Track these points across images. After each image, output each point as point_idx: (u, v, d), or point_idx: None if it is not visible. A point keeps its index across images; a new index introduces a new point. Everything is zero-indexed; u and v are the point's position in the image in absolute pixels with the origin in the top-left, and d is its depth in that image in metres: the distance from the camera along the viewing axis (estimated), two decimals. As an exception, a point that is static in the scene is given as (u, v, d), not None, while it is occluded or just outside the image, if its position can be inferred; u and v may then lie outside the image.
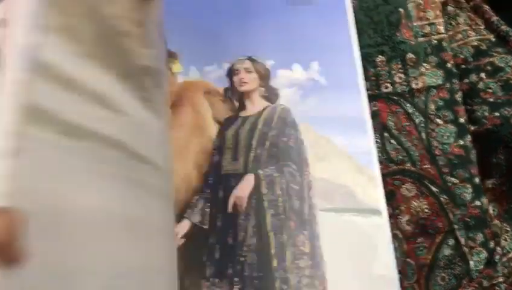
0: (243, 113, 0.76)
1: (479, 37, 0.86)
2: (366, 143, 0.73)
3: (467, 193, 0.73)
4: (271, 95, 0.76)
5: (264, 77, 0.76)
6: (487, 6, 0.88)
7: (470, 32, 0.87)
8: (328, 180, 0.73)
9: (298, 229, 0.68)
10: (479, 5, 0.90)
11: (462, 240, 0.71)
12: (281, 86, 0.76)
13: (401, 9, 0.84)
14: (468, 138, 0.76)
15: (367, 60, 0.81)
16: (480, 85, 0.82)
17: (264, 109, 0.75)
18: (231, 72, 0.76)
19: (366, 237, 0.69)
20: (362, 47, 0.81)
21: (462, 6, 0.91)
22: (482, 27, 0.88)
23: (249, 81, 0.76)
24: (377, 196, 0.71)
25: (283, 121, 0.73)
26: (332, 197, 0.72)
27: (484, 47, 0.85)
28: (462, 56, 0.84)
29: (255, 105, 0.76)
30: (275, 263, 0.67)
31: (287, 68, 0.77)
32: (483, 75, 0.82)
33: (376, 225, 0.69)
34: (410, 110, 0.78)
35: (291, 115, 0.73)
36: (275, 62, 0.77)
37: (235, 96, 0.76)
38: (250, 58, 0.76)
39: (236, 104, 0.77)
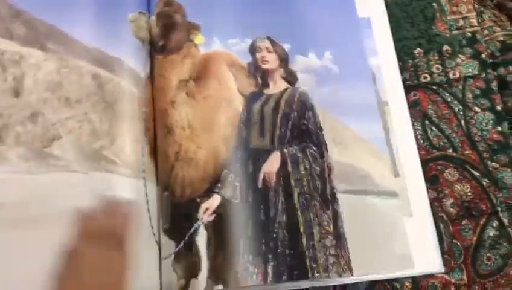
0: (266, 91, 0.78)
1: (504, 32, 0.89)
2: (379, 129, 0.76)
3: (508, 176, 0.76)
4: (290, 77, 0.78)
5: (283, 58, 0.78)
6: (511, 4, 0.91)
7: (495, 28, 0.90)
8: (346, 164, 0.75)
9: (322, 209, 0.71)
10: (502, 2, 0.94)
11: (506, 221, 0.74)
12: (298, 71, 0.79)
13: (434, 4, 0.88)
14: (506, 124, 0.79)
15: (405, 53, 0.84)
16: (509, 77, 0.85)
17: (285, 90, 0.78)
18: (253, 49, 0.79)
19: (384, 217, 0.72)
20: (400, 40, 0.85)
21: (486, 4, 0.95)
22: (507, 23, 0.91)
23: (270, 60, 0.78)
24: (392, 178, 0.73)
25: (303, 104, 0.76)
26: (351, 180, 0.75)
27: (510, 42, 0.88)
28: (489, 51, 0.87)
29: (276, 85, 0.78)
30: (304, 241, 0.69)
31: (303, 55, 0.80)
32: (511, 68, 0.86)
33: (393, 206, 0.72)
34: (448, 99, 0.81)
35: (310, 99, 0.76)
36: (291, 46, 0.80)
37: (258, 72, 0.78)
38: (269, 38, 0.79)
39: (259, 80, 0.79)
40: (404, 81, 0.82)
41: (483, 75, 0.82)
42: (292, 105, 0.75)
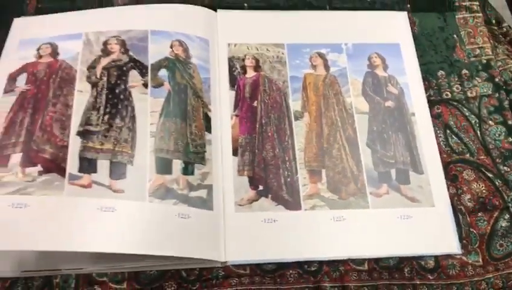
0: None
1: (516, 64, 1.05)
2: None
3: (518, 179, 0.90)
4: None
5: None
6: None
7: (508, 60, 1.06)
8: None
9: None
10: (514, 40, 1.10)
11: (515, 215, 0.87)
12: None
13: (455, 36, 1.04)
14: (516, 136, 0.93)
15: (430, 74, 1.00)
16: (520, 101, 1.00)
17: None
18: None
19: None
20: (425, 64, 1.01)
21: (500, 40, 1.11)
22: (518, 57, 1.07)
23: None
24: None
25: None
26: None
27: (521, 72, 1.04)
28: (502, 79, 1.02)
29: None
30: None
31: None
32: (521, 93, 1.00)
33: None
34: (466, 113, 0.96)
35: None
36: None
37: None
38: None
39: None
40: (429, 97, 0.97)
41: (497, 95, 0.97)
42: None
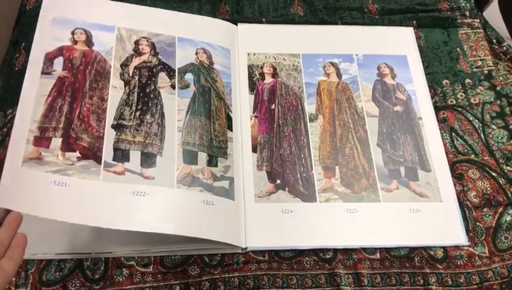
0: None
1: (516, 79, 1.12)
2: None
3: (520, 177, 0.95)
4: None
5: None
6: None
7: (509, 75, 1.13)
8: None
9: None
10: (514, 58, 1.18)
11: (519, 211, 0.92)
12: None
13: (458, 49, 1.12)
14: (518, 139, 0.99)
15: (436, 82, 1.07)
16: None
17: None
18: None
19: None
20: (431, 73, 1.08)
21: (501, 57, 1.18)
22: (518, 73, 1.14)
23: None
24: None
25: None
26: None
27: (521, 86, 1.11)
28: (504, 92, 1.09)
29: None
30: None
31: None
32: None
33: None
34: (470, 118, 1.03)
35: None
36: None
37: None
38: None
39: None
40: (435, 103, 1.03)
41: (498, 102, 1.04)
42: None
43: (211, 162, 0.89)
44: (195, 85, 0.96)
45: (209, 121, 0.92)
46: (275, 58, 1.05)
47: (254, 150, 0.94)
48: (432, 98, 1.04)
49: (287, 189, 0.91)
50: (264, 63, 1.04)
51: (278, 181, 0.92)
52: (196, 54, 0.99)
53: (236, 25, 1.08)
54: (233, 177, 0.88)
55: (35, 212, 0.72)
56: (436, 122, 1.00)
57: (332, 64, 1.06)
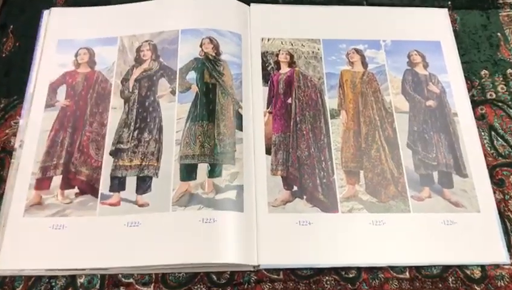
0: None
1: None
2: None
3: None
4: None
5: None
6: None
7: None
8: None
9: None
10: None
11: None
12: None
13: (499, 34, 0.99)
14: None
15: (473, 73, 0.94)
16: None
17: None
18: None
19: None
20: (468, 62, 0.95)
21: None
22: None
23: None
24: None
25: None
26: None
27: None
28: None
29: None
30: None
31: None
32: None
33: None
34: (512, 115, 0.91)
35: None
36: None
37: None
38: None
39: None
40: (472, 97, 0.91)
41: (545, 96, 0.92)
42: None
43: (214, 172, 0.81)
44: (197, 85, 0.87)
45: (212, 124, 0.83)
46: (292, 44, 0.94)
47: (268, 151, 0.84)
48: (469, 91, 0.92)
49: (304, 197, 0.81)
50: (279, 50, 0.93)
51: (295, 188, 0.81)
52: (201, 45, 0.89)
53: (249, 5, 0.96)
54: (242, 184, 0.79)
55: (35, 264, 0.75)
56: (473, 119, 0.88)
57: (357, 51, 0.94)
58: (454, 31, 0.98)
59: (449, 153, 0.86)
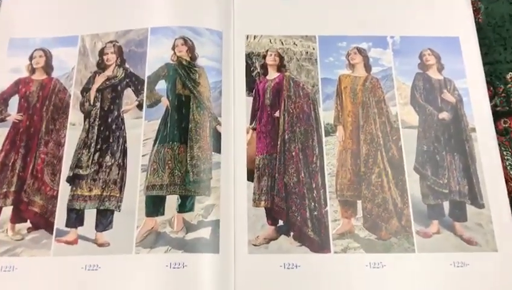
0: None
1: None
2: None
3: None
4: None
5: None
6: None
7: None
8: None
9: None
10: None
11: None
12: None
13: (530, 27, 0.83)
14: None
15: (497, 77, 0.80)
16: None
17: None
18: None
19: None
20: (491, 63, 0.81)
21: None
22: None
23: None
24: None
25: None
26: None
27: None
28: None
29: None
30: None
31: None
32: None
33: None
34: (542, 130, 0.77)
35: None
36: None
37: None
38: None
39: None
40: (494, 107, 0.78)
41: None
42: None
43: (184, 206, 0.71)
44: (168, 97, 0.76)
45: (184, 146, 0.73)
46: (282, 43, 0.80)
47: (250, 177, 0.71)
48: (491, 99, 0.79)
49: (291, 234, 0.70)
50: (267, 50, 0.79)
51: (280, 222, 0.71)
52: (173, 48, 0.76)
53: (232, -4, 0.82)
54: (218, 219, 0.68)
55: None
56: (494, 135, 0.76)
57: (360, 51, 0.80)
58: (477, 23, 0.83)
59: (463, 178, 0.74)
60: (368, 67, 0.80)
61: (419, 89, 0.79)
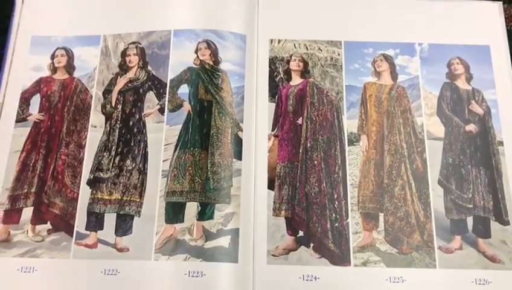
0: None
1: None
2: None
3: None
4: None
5: None
6: None
7: None
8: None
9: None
10: None
11: None
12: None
13: None
14: None
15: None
16: None
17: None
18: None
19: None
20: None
21: None
22: None
23: None
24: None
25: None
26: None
27: None
28: None
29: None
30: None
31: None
32: None
33: None
34: None
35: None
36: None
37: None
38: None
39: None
40: (524, 119, 0.75)
41: None
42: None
43: (204, 214, 0.70)
44: (190, 102, 0.75)
45: (205, 152, 0.71)
46: (307, 48, 0.78)
47: (271, 186, 0.70)
48: (520, 112, 0.76)
49: (311, 245, 0.69)
50: (291, 55, 0.78)
51: (301, 233, 0.69)
52: (196, 51, 0.74)
53: (257, -1, 0.80)
54: (238, 228, 0.67)
55: None
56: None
57: (386, 58, 0.78)
58: (508, 31, 0.80)
59: (489, 193, 0.72)
60: (394, 75, 0.78)
61: (446, 99, 0.77)
